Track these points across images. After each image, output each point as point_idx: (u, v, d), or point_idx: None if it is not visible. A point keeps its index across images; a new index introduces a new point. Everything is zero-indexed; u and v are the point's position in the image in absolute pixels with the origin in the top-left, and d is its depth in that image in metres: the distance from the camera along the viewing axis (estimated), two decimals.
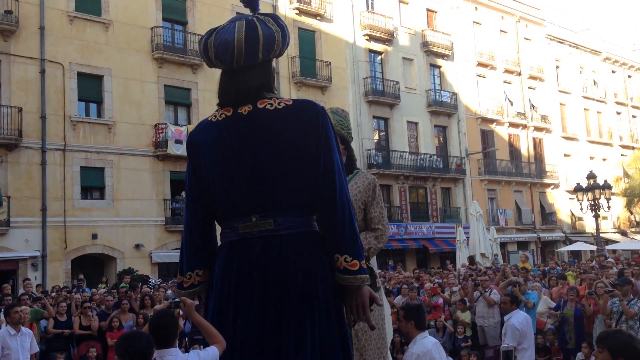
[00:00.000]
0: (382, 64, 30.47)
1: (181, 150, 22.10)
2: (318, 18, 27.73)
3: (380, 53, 30.37)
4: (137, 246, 21.15)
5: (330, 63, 27.55)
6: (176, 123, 22.94)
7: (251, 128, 3.00)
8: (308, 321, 2.91)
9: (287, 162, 2.96)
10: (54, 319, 10.37)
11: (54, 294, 13.35)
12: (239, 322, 2.91)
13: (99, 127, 21.17)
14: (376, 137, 30.00)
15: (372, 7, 30.10)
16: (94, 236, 20.35)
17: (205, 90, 23.62)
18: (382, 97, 29.37)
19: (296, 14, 26.97)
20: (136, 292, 12.46)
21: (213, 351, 3.01)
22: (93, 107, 21.64)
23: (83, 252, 20.29)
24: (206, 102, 23.56)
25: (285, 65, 26.31)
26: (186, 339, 10.27)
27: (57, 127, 20.17)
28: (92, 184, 20.94)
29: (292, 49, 26.71)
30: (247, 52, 2.97)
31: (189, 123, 23.11)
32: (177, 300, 3.22)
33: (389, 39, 30.27)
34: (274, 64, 3.24)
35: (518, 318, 8.04)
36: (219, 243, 3.15)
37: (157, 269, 21.56)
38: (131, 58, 22.05)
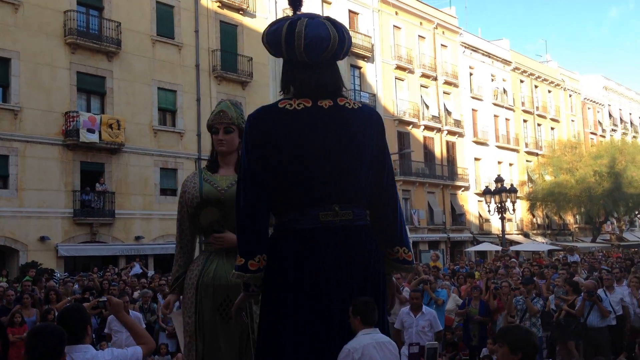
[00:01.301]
0: None
1: (94, 138, 21.29)
2: (240, 12, 27.45)
3: None
4: (42, 239, 20.16)
5: (251, 58, 27.34)
6: (89, 112, 22.01)
7: (334, 122, 3.18)
8: (381, 301, 3.35)
9: (362, 159, 3.22)
10: None
11: None
12: (334, 302, 3.14)
13: (3, 113, 20.02)
14: None
15: None
16: None
17: (121, 79, 22.84)
18: None
19: (218, 6, 26.59)
20: (40, 286, 11.89)
21: (134, 351, 2.87)
22: None
23: None
24: (122, 92, 22.78)
25: (205, 58, 25.88)
26: (93, 335, 9.89)
27: None
28: None
29: (213, 42, 26.32)
30: (335, 51, 3.23)
31: (103, 112, 22.27)
32: (103, 299, 3.09)
33: None
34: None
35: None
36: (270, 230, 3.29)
37: (64, 263, 20.63)
38: (42, 42, 20.97)
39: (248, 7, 27.63)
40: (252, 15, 27.97)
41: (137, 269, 18.53)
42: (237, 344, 4.01)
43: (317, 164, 3.12)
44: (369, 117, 3.35)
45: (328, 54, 3.20)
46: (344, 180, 3.16)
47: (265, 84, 28.24)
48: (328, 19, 3.32)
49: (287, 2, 3.56)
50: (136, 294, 11.93)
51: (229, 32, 27.12)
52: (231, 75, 26.49)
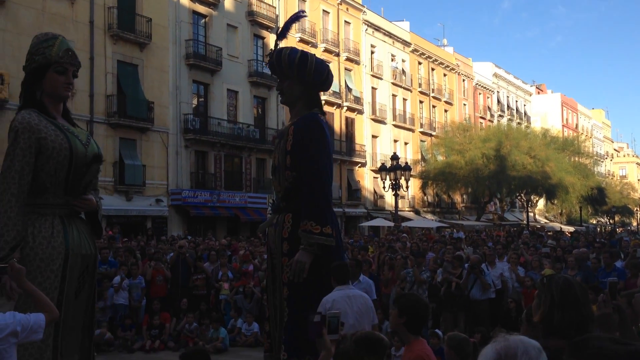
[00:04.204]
0: (205, 28, 29.74)
1: None
2: None
3: (204, 16, 29.60)
4: None
5: (151, 19, 26.23)
6: None
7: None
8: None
9: None
10: None
11: None
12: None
13: None
14: (195, 102, 29.34)
15: None
16: None
17: (6, 30, 21.21)
18: (203, 61, 28.72)
19: None
20: None
21: (37, 317, 2.74)
22: None
23: None
24: (6, 44, 21.16)
25: (101, 15, 24.51)
26: None
27: None
28: None
29: None
30: None
31: None
32: (4, 265, 2.84)
33: (214, 2, 29.60)
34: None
35: None
36: None
37: None
38: None
39: None
40: None
41: None
42: (81, 318, 3.79)
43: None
44: None
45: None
46: None
47: (165, 47, 27.22)
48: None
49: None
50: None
51: None
52: (128, 35, 25.28)
